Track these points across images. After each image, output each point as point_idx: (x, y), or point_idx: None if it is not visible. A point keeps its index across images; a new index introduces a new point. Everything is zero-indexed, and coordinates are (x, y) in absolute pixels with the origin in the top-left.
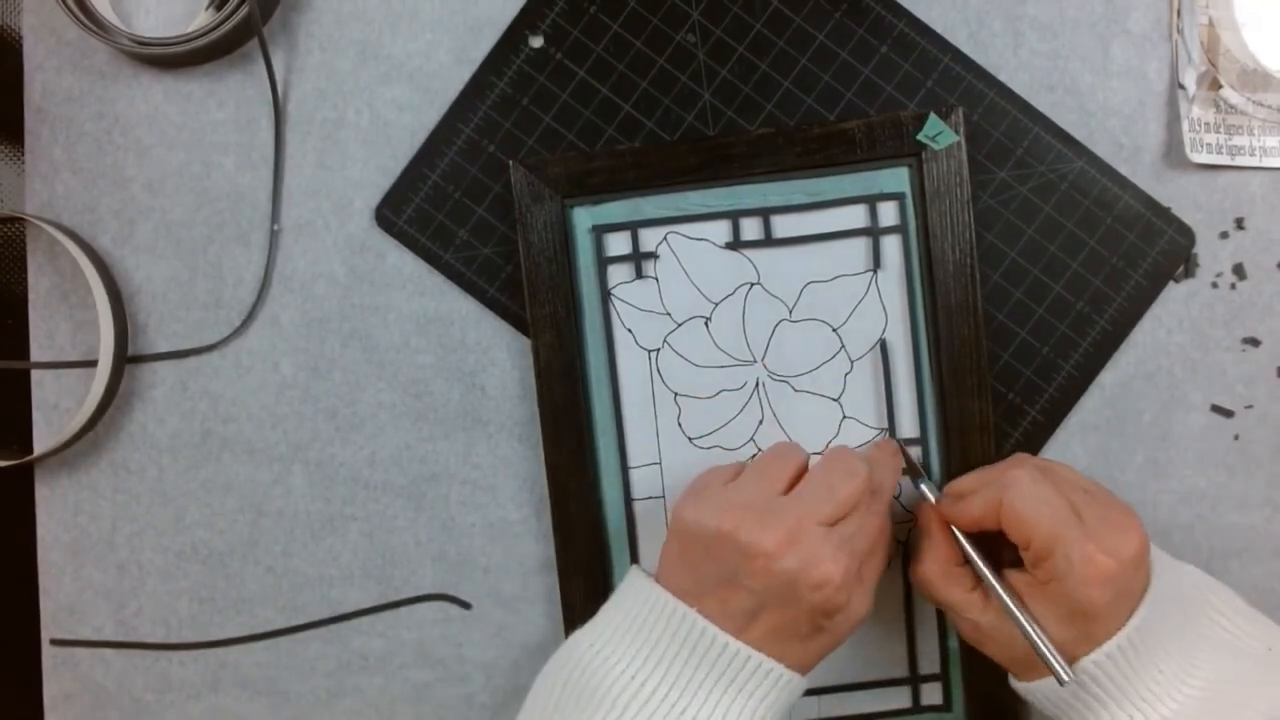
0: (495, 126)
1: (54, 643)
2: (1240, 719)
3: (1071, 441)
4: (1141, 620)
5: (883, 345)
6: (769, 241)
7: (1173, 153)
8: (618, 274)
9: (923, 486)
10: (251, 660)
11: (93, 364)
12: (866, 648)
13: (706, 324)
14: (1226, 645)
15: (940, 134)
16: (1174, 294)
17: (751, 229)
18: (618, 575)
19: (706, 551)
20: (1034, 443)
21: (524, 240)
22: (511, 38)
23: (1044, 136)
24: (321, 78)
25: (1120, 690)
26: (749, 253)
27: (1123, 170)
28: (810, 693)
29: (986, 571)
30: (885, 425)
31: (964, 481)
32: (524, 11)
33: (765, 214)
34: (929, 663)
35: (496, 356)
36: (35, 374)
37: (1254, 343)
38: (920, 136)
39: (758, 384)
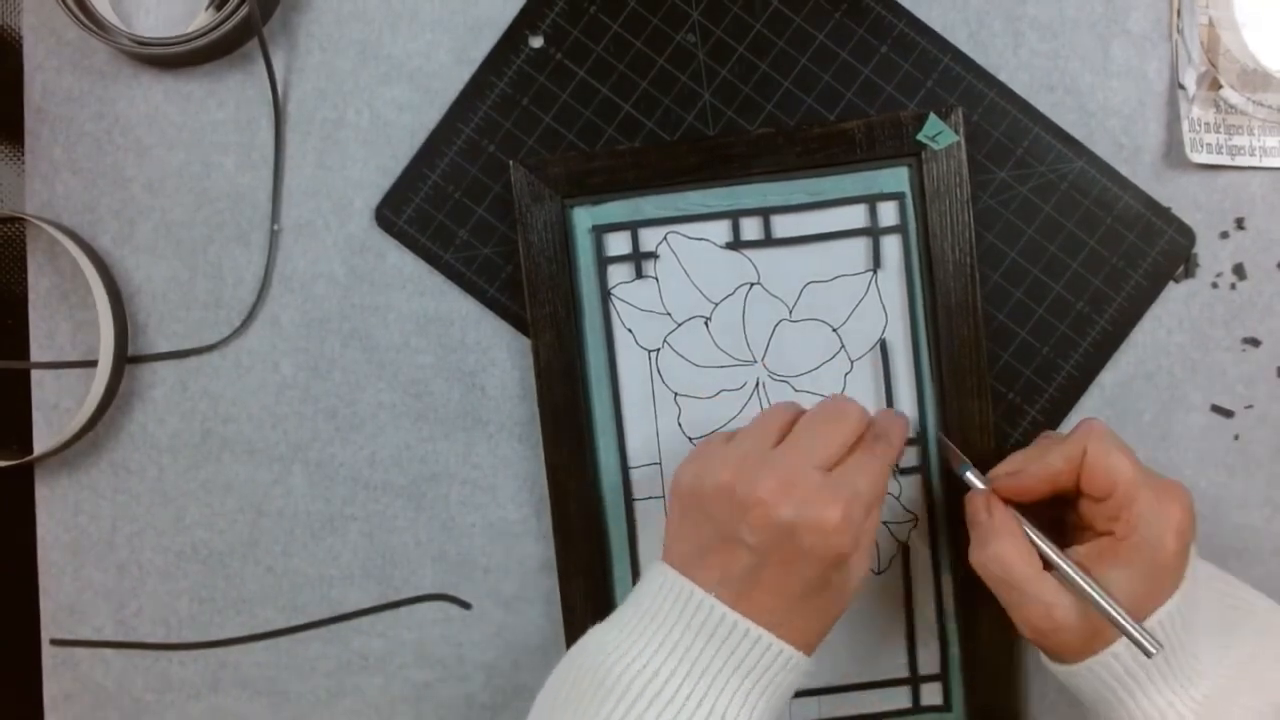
0: (495, 126)
1: (54, 643)
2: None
3: None
4: (1189, 584)
5: (883, 345)
6: (769, 241)
7: (1173, 153)
8: (618, 274)
9: (969, 474)
10: (251, 660)
11: (93, 364)
12: (866, 648)
13: (706, 324)
14: (1260, 624)
15: (940, 134)
16: (1174, 294)
17: (751, 229)
18: (618, 575)
19: (705, 510)
20: None
21: (524, 240)
22: (511, 38)
23: (1044, 136)
24: (321, 78)
25: (1166, 662)
26: (749, 253)
27: (1123, 170)
28: (810, 693)
29: (1052, 552)
30: None
31: (1011, 461)
32: (524, 11)
33: (765, 214)
34: (929, 663)
35: (496, 356)
36: (35, 374)
37: (1254, 343)
38: (920, 136)
39: (758, 384)
